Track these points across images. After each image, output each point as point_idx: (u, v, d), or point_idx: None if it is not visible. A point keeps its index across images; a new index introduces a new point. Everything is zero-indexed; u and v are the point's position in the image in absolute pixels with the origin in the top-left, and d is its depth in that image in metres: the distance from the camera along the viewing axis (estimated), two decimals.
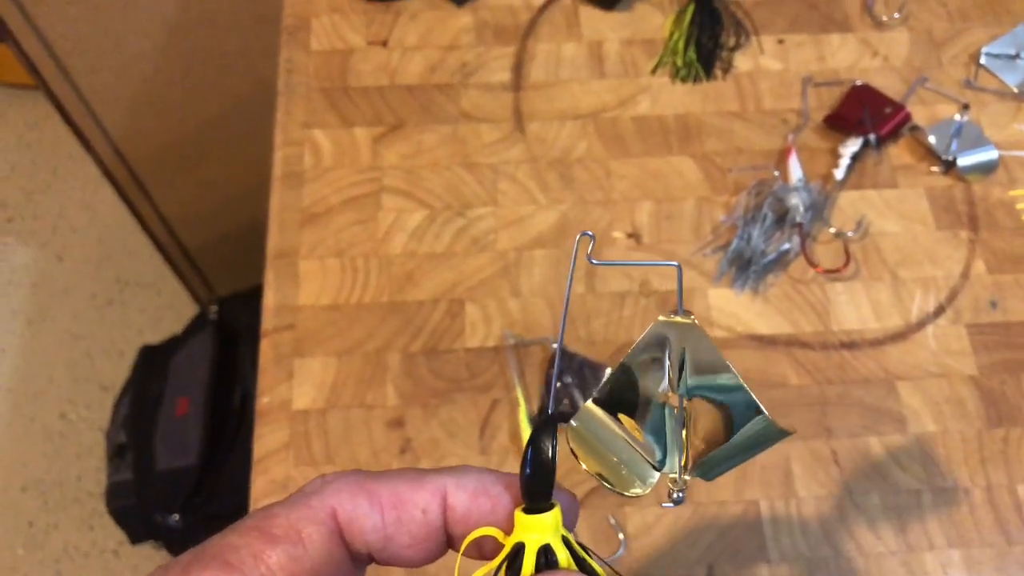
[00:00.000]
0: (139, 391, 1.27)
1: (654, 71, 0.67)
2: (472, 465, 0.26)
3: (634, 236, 0.61)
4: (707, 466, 0.29)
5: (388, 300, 0.59)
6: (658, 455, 0.29)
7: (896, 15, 0.69)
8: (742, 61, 0.68)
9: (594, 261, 0.27)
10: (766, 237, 0.60)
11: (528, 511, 0.25)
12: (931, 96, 0.66)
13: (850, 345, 0.57)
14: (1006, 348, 0.57)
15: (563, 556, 0.25)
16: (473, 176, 0.64)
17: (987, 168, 0.63)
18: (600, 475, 0.29)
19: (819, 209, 0.61)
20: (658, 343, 0.29)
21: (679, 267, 0.29)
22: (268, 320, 0.58)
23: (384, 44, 0.68)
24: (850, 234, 0.60)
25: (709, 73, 0.67)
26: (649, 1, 0.70)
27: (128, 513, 1.22)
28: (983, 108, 0.66)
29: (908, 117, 0.64)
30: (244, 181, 1.27)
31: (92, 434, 1.49)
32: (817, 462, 0.54)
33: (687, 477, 0.29)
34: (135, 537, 1.26)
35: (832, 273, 0.59)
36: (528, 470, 0.25)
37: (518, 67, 0.67)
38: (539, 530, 0.25)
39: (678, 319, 0.28)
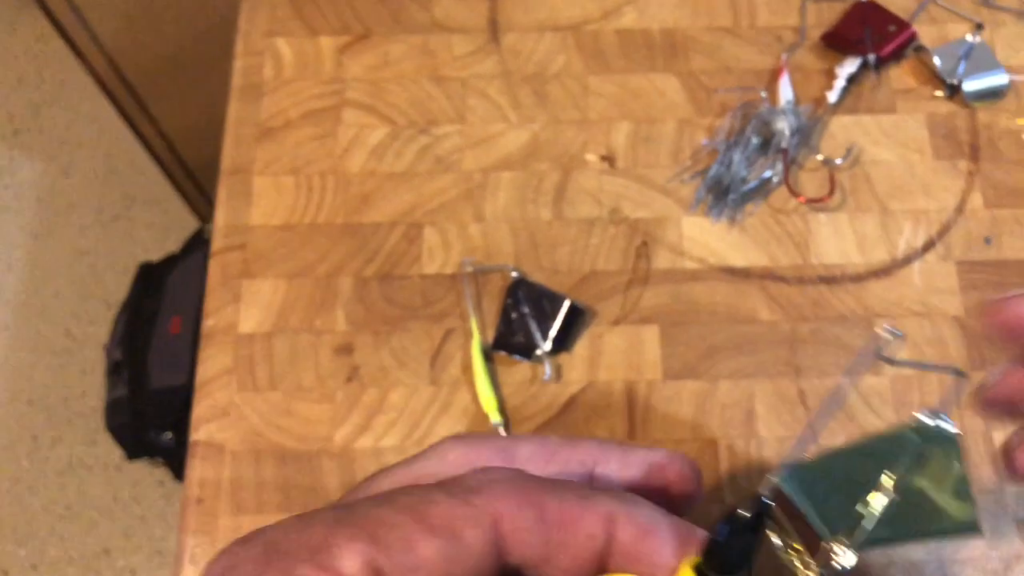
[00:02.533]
0: (136, 309, 1.27)
1: None
2: (639, 496, 0.24)
3: (608, 159, 0.58)
4: (874, 541, 0.25)
5: (343, 221, 0.56)
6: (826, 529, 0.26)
7: None
8: None
9: (887, 359, 0.24)
10: (748, 163, 0.56)
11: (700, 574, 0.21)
12: (943, 14, 0.61)
13: (829, 280, 0.54)
14: (997, 287, 0.53)
15: None
16: (441, 91, 0.60)
17: (995, 94, 0.58)
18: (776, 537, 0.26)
19: (807, 134, 0.57)
20: (898, 444, 0.25)
21: (964, 374, 0.25)
22: (218, 240, 0.56)
23: None
24: (838, 162, 0.56)
25: None
26: None
27: (124, 430, 1.23)
28: (998, 29, 0.60)
29: (913, 36, 0.59)
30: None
31: (96, 350, 1.50)
32: (783, 402, 0.51)
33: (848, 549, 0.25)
34: (132, 453, 1.28)
35: (815, 203, 0.55)
36: (723, 536, 0.21)
37: None
38: None
39: (942, 426, 0.24)
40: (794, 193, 0.55)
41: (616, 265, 0.55)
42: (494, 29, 0.62)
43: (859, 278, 0.54)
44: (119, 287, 1.56)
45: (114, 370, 1.26)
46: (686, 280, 0.54)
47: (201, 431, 0.51)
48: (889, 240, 0.55)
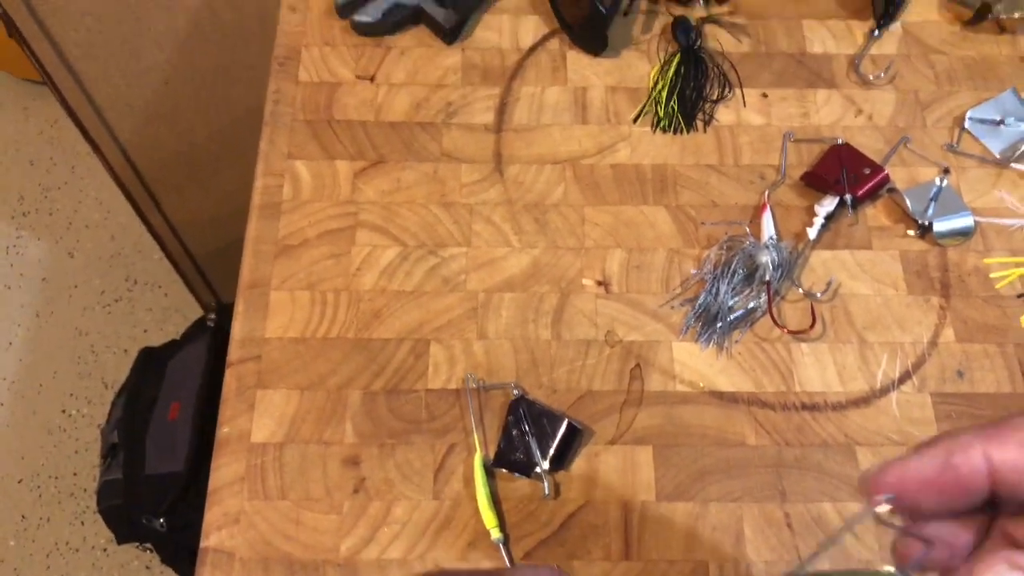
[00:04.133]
0: (135, 392, 1.28)
1: (636, 119, 0.67)
2: None
3: (604, 284, 0.62)
4: None
5: (354, 336, 0.60)
6: None
7: (882, 74, 0.69)
8: (724, 114, 0.68)
9: (885, 523, 0.27)
10: (734, 293, 0.60)
11: None
12: (912, 157, 0.66)
13: (812, 407, 0.57)
14: (969, 419, 0.57)
15: None
16: (449, 215, 0.64)
17: (963, 234, 0.62)
18: None
19: (789, 268, 0.61)
20: None
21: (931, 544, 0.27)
22: (234, 351, 0.59)
23: (372, 79, 0.69)
24: (819, 295, 0.60)
25: (690, 124, 0.67)
26: (637, 48, 0.71)
27: (116, 513, 1.23)
28: (963, 173, 0.65)
29: (887, 179, 0.64)
30: (250, 192, 1.28)
31: (91, 430, 1.51)
32: (769, 525, 0.54)
33: None
34: (121, 537, 1.28)
35: (798, 334, 0.59)
36: None
37: (501, 109, 0.68)
38: None
39: None
40: (778, 324, 0.59)
41: (611, 385, 0.58)
42: (498, 161, 0.66)
43: (840, 406, 0.57)
44: (118, 368, 1.58)
45: (109, 452, 1.27)
46: (678, 403, 0.57)
47: (212, 538, 0.53)
48: (868, 370, 0.58)
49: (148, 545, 1.29)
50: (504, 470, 0.55)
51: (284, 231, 0.63)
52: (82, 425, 1.53)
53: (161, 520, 1.18)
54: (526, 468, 0.55)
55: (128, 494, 1.21)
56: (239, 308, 0.61)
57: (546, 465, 0.55)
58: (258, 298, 0.61)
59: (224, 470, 0.55)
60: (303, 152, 0.66)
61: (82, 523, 1.42)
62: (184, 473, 1.15)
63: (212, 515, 0.54)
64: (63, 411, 1.54)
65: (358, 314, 0.60)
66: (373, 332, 0.60)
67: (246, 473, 0.55)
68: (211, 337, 1.25)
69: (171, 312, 1.66)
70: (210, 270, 1.45)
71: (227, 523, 0.54)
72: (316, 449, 0.56)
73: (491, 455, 0.56)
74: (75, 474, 1.47)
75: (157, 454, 1.20)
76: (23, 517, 1.43)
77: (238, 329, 0.60)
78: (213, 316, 1.27)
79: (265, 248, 0.63)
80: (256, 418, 0.57)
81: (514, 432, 0.56)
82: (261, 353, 0.59)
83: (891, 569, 0.28)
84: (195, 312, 1.53)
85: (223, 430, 0.57)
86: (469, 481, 0.55)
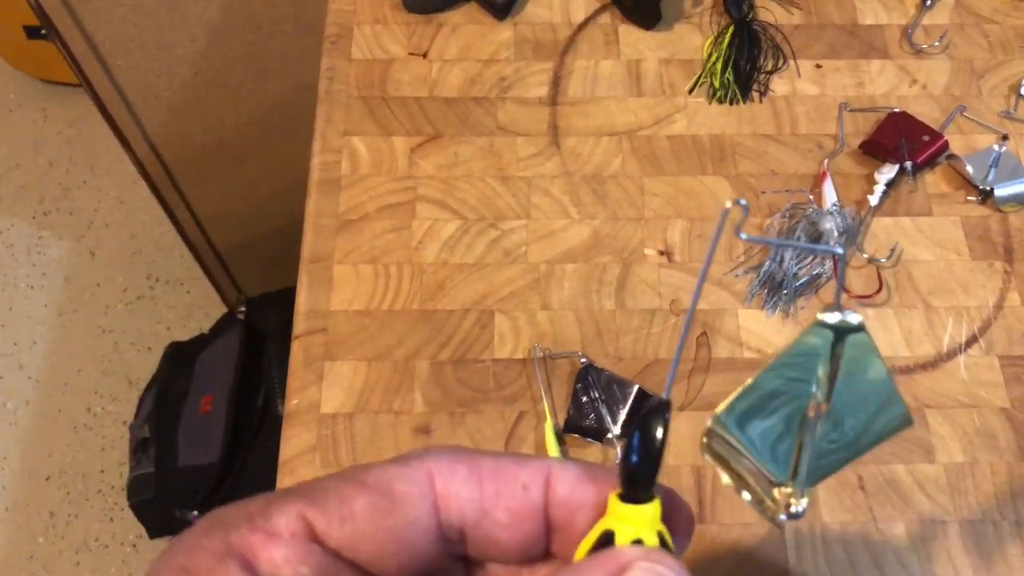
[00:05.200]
0: (164, 387, 1.28)
1: (691, 91, 0.67)
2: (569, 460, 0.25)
3: (666, 254, 0.62)
4: (818, 470, 0.26)
5: (419, 308, 0.60)
6: (775, 469, 0.26)
7: (936, 43, 0.69)
8: (779, 84, 0.68)
9: (744, 236, 0.24)
10: (798, 260, 0.60)
11: (625, 499, 0.22)
12: (969, 125, 0.66)
13: None
14: None
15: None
16: (507, 189, 0.64)
17: None
18: (742, 489, 0.26)
19: (852, 234, 0.61)
20: (810, 350, 0.25)
21: (841, 254, 0.26)
22: (300, 323, 0.59)
23: (424, 56, 0.69)
24: (883, 260, 0.60)
25: (746, 95, 0.67)
26: (689, 21, 0.71)
27: (148, 507, 1.23)
28: (1022, 139, 0.65)
29: (945, 146, 0.64)
30: (277, 185, 1.29)
31: (117, 428, 1.51)
32: (843, 487, 0.54)
33: (798, 488, 0.26)
34: (154, 531, 1.28)
35: (864, 299, 0.59)
36: (633, 454, 0.22)
37: (556, 82, 0.68)
38: (634, 521, 0.22)
39: (842, 319, 0.24)
40: (845, 290, 0.59)
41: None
42: (554, 133, 0.66)
43: (908, 370, 0.57)
44: (142, 365, 1.58)
45: (140, 447, 1.27)
46: (746, 369, 0.57)
47: None
48: (934, 335, 0.58)
49: None
50: (575, 435, 0.55)
51: (344, 206, 0.63)
52: (108, 423, 1.53)
53: (195, 512, 1.17)
54: (597, 434, 0.55)
55: (161, 487, 1.21)
56: (303, 281, 0.61)
57: (617, 431, 0.55)
58: (321, 272, 0.61)
59: (295, 440, 0.55)
60: (359, 128, 0.66)
61: (111, 519, 1.42)
62: (219, 464, 1.15)
63: (285, 485, 0.54)
64: (88, 409, 1.54)
65: (422, 286, 0.60)
66: (437, 304, 0.60)
67: (317, 443, 0.55)
68: (241, 329, 1.25)
69: (194, 309, 1.66)
70: (234, 264, 1.45)
71: None
72: (386, 419, 0.56)
73: (560, 423, 0.56)
74: (102, 471, 1.47)
75: (190, 447, 1.20)
76: (52, 514, 1.43)
77: (303, 302, 0.60)
78: (243, 309, 1.27)
79: (326, 223, 0.63)
80: (325, 389, 0.57)
81: (583, 399, 0.56)
82: (327, 326, 0.59)
83: (826, 317, 0.25)
84: (218, 309, 1.53)
85: (292, 402, 0.57)
86: (540, 448, 0.55)
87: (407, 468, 0.24)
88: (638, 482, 0.22)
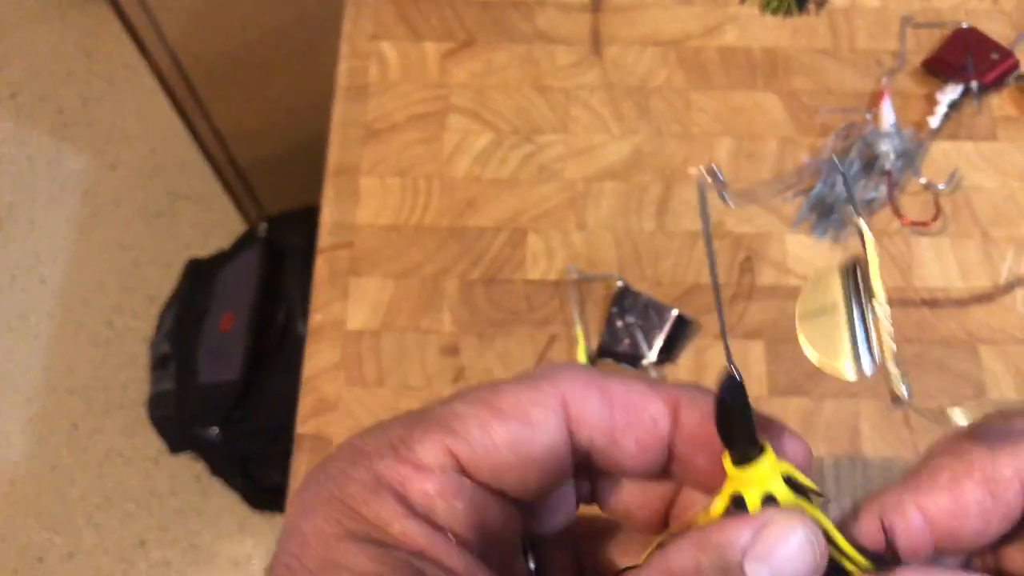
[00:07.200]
0: (185, 304, 1.28)
1: (743, 0, 0.63)
2: (704, 388, 0.25)
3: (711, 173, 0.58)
4: None
5: (449, 224, 0.57)
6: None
7: None
8: None
9: (730, 203, 0.24)
10: (852, 183, 0.57)
11: (738, 463, 0.23)
12: None
13: (932, 303, 0.54)
14: None
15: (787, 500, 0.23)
16: (544, 100, 0.61)
17: None
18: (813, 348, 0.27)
19: (910, 158, 0.57)
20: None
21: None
22: (324, 237, 0.57)
23: None
24: (941, 187, 0.57)
25: (802, 6, 0.63)
26: None
27: (168, 423, 1.24)
28: None
29: (1015, 65, 0.59)
30: (301, 99, 1.25)
31: (137, 343, 1.51)
32: (887, 423, 0.51)
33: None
34: (174, 447, 1.28)
35: (919, 226, 0.56)
36: (724, 432, 0.23)
37: None
38: (756, 482, 0.22)
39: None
40: (899, 215, 0.56)
41: (720, 278, 0.55)
42: (596, 42, 0.63)
43: (962, 303, 0.54)
44: (162, 282, 1.57)
45: (160, 363, 1.27)
46: (791, 296, 0.54)
47: (308, 424, 0.52)
48: (991, 266, 0.55)
49: (199, 454, 1.30)
50: (609, 360, 0.53)
51: (372, 115, 0.60)
52: (128, 338, 1.52)
53: (215, 429, 1.18)
54: (632, 360, 0.53)
55: (181, 404, 1.21)
56: (328, 194, 0.58)
57: (653, 357, 0.52)
58: (347, 184, 0.58)
59: (319, 357, 0.54)
60: (389, 32, 0.63)
61: (133, 433, 1.43)
62: (239, 381, 1.14)
63: (307, 402, 0.53)
64: (108, 324, 1.54)
65: (452, 202, 0.58)
66: (468, 220, 0.57)
67: (342, 360, 0.53)
68: (263, 247, 1.24)
69: (214, 227, 1.64)
70: (256, 181, 1.42)
71: (324, 410, 0.52)
72: (414, 337, 0.54)
73: (594, 347, 0.54)
74: (124, 386, 1.48)
75: (210, 364, 1.20)
76: (74, 426, 1.44)
77: (328, 215, 0.57)
78: (265, 226, 1.25)
79: (353, 132, 0.60)
80: (350, 305, 0.55)
81: (618, 324, 0.54)
82: (353, 240, 0.56)
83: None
84: (238, 227, 1.51)
85: (316, 317, 0.55)
86: None
87: (540, 392, 0.23)
88: (741, 446, 0.23)
